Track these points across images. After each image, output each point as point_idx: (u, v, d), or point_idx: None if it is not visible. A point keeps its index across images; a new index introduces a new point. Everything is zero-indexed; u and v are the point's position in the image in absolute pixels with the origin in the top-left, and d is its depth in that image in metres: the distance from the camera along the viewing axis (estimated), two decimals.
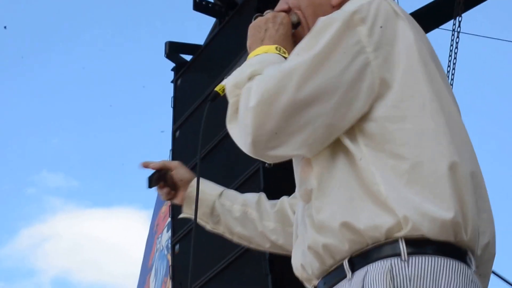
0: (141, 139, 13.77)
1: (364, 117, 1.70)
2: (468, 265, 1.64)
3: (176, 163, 2.22)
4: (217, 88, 1.88)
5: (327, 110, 1.67)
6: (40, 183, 14.90)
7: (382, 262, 1.61)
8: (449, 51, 5.44)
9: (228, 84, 1.78)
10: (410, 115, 1.69)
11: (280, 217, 2.16)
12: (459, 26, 5.41)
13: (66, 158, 14.07)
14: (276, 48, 1.84)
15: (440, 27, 5.66)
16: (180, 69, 4.79)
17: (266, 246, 2.19)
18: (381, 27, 1.72)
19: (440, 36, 5.51)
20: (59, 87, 13.24)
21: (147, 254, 6.62)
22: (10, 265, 14.82)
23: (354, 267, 1.64)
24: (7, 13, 12.49)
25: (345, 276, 1.65)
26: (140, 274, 6.62)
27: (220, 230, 2.22)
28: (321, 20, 1.76)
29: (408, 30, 1.75)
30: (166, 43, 4.77)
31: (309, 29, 1.87)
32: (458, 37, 5.45)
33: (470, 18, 5.82)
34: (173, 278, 4.38)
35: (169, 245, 4.63)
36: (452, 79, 5.42)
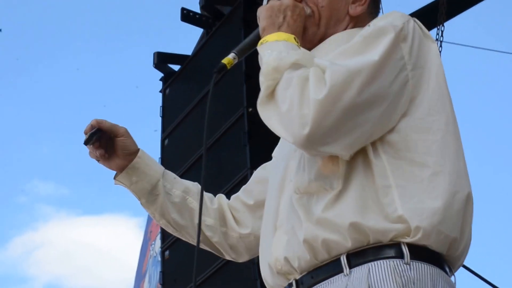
0: None
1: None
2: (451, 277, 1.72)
3: (123, 130, 2.05)
4: (224, 61, 1.87)
5: (375, 117, 1.69)
6: (31, 191, 14.92)
7: (385, 262, 1.65)
8: None
9: (267, 66, 1.75)
10: (435, 128, 1.73)
11: (218, 215, 2.10)
12: (441, 35, 5.49)
13: (57, 166, 14.08)
14: (295, 39, 1.83)
15: None
16: (168, 79, 4.85)
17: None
18: (417, 48, 1.76)
19: None
20: (48, 96, 13.26)
21: (141, 261, 6.66)
22: (2, 272, 14.81)
23: (351, 263, 1.67)
24: None
25: (340, 271, 1.67)
26: (134, 281, 6.65)
27: (150, 210, 2.08)
28: (374, 27, 1.78)
29: (436, 50, 1.80)
30: (154, 54, 4.83)
31: (318, 25, 1.93)
32: (441, 46, 5.53)
33: (453, 26, 5.90)
34: (163, 284, 4.43)
35: None
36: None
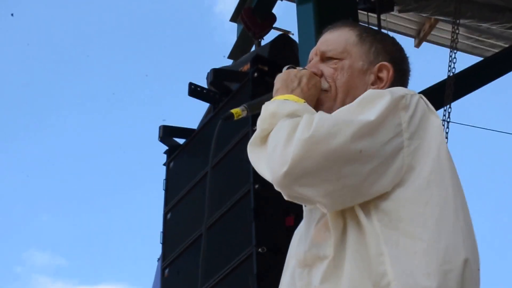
0: (131, 220, 13.75)
1: (382, 196, 1.73)
2: None
3: None
4: (233, 111, 1.90)
5: (361, 174, 1.70)
6: (28, 261, 14.81)
7: None
8: None
9: (266, 111, 1.81)
10: (433, 202, 1.73)
11: None
12: (448, 116, 5.51)
13: (54, 237, 14.01)
14: (304, 103, 1.86)
15: None
16: (172, 152, 4.85)
17: None
18: (418, 120, 1.79)
19: None
20: (48, 165, 13.27)
21: None
22: None
23: None
24: None
25: None
26: None
27: None
28: (371, 91, 1.81)
29: (439, 127, 1.82)
30: (160, 127, 4.84)
31: (335, 100, 1.95)
32: (448, 127, 5.55)
33: (460, 106, 5.92)
34: None
35: None
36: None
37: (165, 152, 4.90)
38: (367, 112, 1.74)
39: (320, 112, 1.76)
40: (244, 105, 1.92)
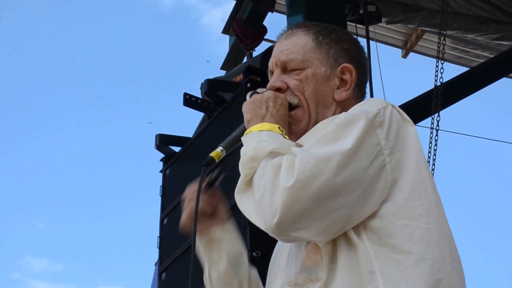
0: (126, 225, 13.82)
1: (370, 215, 1.73)
2: None
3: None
4: (212, 154, 1.92)
5: (350, 203, 1.69)
6: (25, 267, 14.88)
7: None
8: (428, 147, 5.63)
9: (245, 155, 1.80)
10: (417, 213, 1.73)
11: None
12: (437, 124, 5.62)
13: (50, 243, 14.08)
14: (279, 128, 1.86)
15: (418, 124, 5.89)
16: (168, 160, 4.94)
17: None
18: (395, 132, 1.78)
19: (419, 132, 5.69)
20: (42, 171, 13.34)
21: None
22: None
23: None
24: None
25: None
26: None
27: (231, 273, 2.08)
28: (346, 115, 1.79)
29: (415, 135, 1.82)
30: (156, 136, 4.93)
31: (309, 114, 1.95)
32: (437, 134, 5.65)
33: (449, 114, 6.04)
34: None
35: None
36: (432, 175, 5.57)
37: (161, 160, 4.99)
38: (344, 139, 1.73)
39: (300, 151, 1.73)
40: (221, 145, 1.94)
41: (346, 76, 1.99)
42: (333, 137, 1.75)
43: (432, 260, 1.70)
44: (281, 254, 1.93)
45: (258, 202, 1.73)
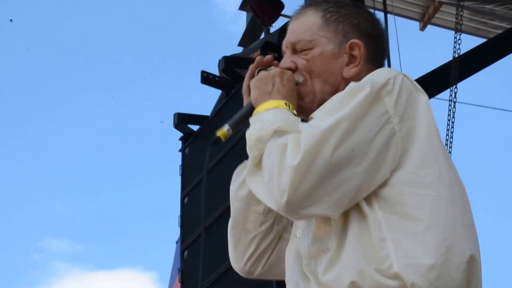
0: (147, 205, 13.89)
1: (381, 183, 1.74)
2: None
3: None
4: (218, 133, 1.90)
5: (358, 174, 1.69)
6: (45, 248, 15.00)
7: None
8: (446, 120, 5.62)
9: (250, 137, 1.80)
10: (427, 182, 1.73)
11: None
12: (455, 96, 5.60)
13: (70, 224, 14.18)
14: (286, 103, 1.86)
15: (436, 96, 5.87)
16: (187, 139, 4.95)
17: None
18: (405, 100, 1.77)
19: (437, 105, 5.68)
20: (62, 152, 13.40)
21: None
22: None
23: None
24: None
25: None
26: None
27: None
28: (352, 85, 1.79)
29: (427, 104, 1.81)
30: (174, 114, 4.94)
31: (314, 92, 1.94)
32: (454, 107, 5.64)
33: (467, 86, 6.02)
34: (183, 282, 4.53)
35: None
36: (450, 148, 5.57)
37: (180, 139, 5.00)
38: (347, 108, 1.72)
39: (305, 127, 1.74)
40: (227, 123, 1.92)
41: (355, 52, 1.97)
42: (338, 107, 1.75)
43: (442, 227, 1.70)
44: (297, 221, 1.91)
45: (267, 183, 1.73)
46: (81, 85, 12.86)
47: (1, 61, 12.37)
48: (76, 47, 12.56)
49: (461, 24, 5.54)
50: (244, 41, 6.15)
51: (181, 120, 4.96)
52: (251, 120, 1.86)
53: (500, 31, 6.61)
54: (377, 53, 2.02)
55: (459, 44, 5.56)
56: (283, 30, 4.63)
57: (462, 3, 5.60)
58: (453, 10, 5.89)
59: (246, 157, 1.86)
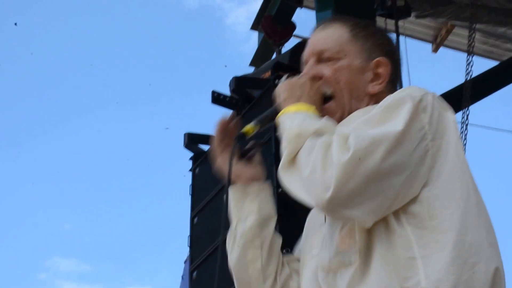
0: (155, 225, 13.87)
1: (410, 200, 1.75)
2: None
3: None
4: (244, 130, 1.93)
5: (398, 184, 1.71)
6: (52, 268, 14.97)
7: None
8: None
9: (290, 131, 1.80)
10: (457, 197, 1.75)
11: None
12: (467, 118, 5.59)
13: (77, 244, 14.16)
14: (315, 110, 1.88)
15: None
16: (198, 158, 4.94)
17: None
18: (437, 118, 1.79)
19: None
20: (70, 172, 13.41)
21: None
22: None
23: None
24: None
25: None
26: None
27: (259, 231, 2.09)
28: (392, 98, 1.81)
29: (454, 122, 1.84)
30: (185, 134, 4.92)
31: (343, 105, 1.96)
32: (466, 129, 5.62)
33: (479, 109, 5.99)
34: None
35: None
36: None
37: (190, 159, 4.99)
38: (393, 121, 1.75)
39: (353, 130, 1.76)
40: (255, 121, 1.94)
41: (381, 70, 2.01)
42: (380, 119, 1.77)
43: (469, 243, 1.71)
44: (311, 241, 1.93)
45: (308, 178, 1.72)
46: (87, 93, 12.86)
47: (6, 65, 12.38)
48: (81, 52, 12.59)
49: (473, 47, 5.53)
50: (255, 61, 6.15)
51: (192, 140, 4.94)
52: (281, 117, 1.87)
53: None
54: (395, 76, 2.05)
55: (472, 66, 5.55)
56: (294, 50, 4.62)
57: (474, 25, 5.59)
58: (465, 32, 5.88)
59: None
